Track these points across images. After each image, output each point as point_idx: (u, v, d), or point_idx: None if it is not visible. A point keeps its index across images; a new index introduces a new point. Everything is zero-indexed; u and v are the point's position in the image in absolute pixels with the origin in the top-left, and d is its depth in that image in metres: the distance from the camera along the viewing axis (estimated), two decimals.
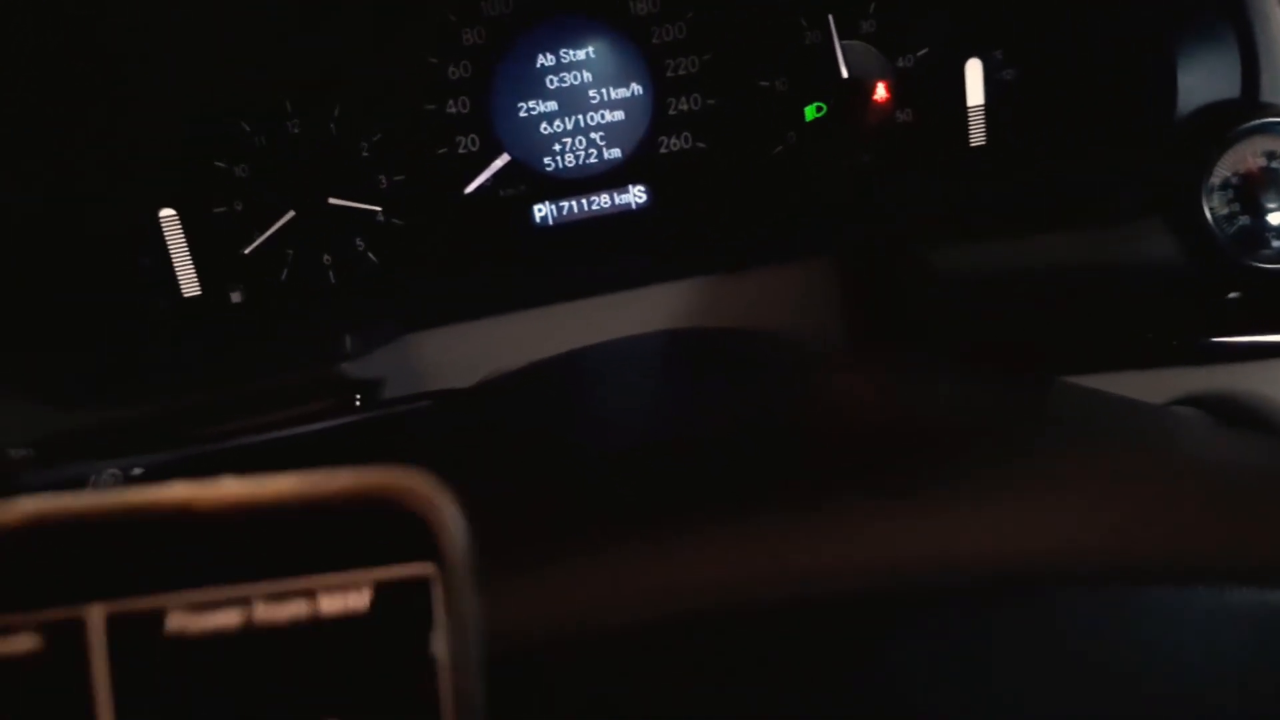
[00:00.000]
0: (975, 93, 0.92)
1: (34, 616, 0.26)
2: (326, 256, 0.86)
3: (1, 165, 0.78)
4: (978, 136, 0.93)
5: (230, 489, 0.26)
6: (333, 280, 0.87)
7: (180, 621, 0.26)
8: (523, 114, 0.87)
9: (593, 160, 0.89)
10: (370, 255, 0.87)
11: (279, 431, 0.62)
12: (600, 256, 0.90)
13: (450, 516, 0.26)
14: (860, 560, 0.37)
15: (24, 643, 0.26)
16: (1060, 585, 0.36)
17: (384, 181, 0.86)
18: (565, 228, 0.90)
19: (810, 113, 0.90)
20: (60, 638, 0.26)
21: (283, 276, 0.86)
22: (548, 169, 0.89)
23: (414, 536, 0.26)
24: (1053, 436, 0.48)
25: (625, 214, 0.91)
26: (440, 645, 0.26)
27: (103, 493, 0.27)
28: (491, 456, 0.52)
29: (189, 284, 0.85)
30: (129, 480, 0.56)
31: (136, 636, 0.26)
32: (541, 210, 0.90)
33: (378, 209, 0.86)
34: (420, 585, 0.26)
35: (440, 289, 0.89)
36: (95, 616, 0.26)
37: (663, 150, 0.90)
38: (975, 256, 0.81)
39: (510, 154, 0.88)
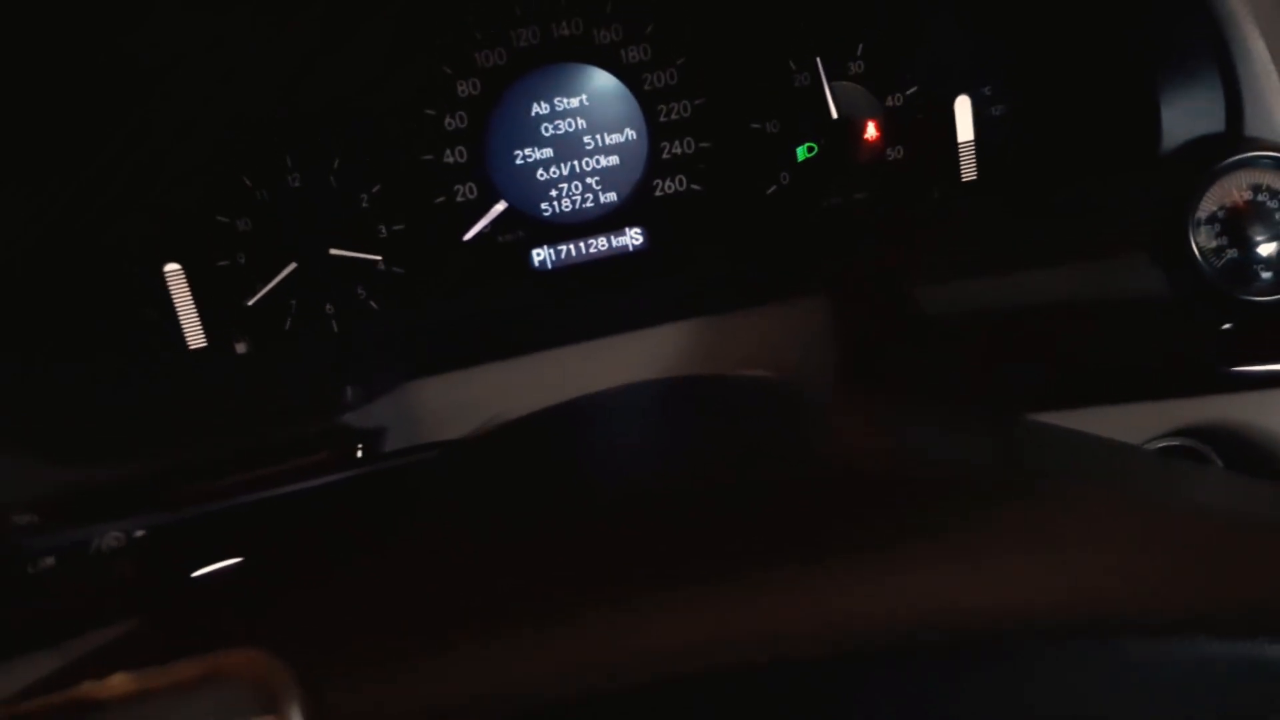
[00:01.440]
0: (965, 129, 0.93)
1: None
2: (329, 306, 0.88)
3: (6, 222, 0.80)
4: (968, 172, 0.94)
5: (122, 682, 0.33)
6: (335, 329, 0.88)
7: None
8: (519, 161, 0.89)
9: (589, 204, 0.91)
10: (372, 303, 0.88)
11: (280, 488, 0.63)
12: (598, 298, 0.91)
13: (286, 682, 0.34)
14: (839, 616, 0.38)
15: None
16: (1042, 639, 0.37)
17: (384, 231, 0.87)
18: (563, 271, 0.91)
19: (802, 153, 0.91)
20: None
21: (286, 326, 0.87)
22: (545, 214, 0.90)
23: (260, 698, 0.34)
24: (1040, 486, 0.48)
25: (622, 256, 0.92)
26: None
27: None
28: (491, 509, 0.53)
29: (194, 336, 0.86)
30: (131, 541, 0.57)
31: None
32: (540, 254, 0.91)
33: (378, 258, 0.88)
34: None
35: (441, 335, 0.90)
36: None
37: (658, 193, 0.91)
38: (967, 292, 0.82)
39: (507, 201, 0.89)
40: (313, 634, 0.41)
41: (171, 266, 0.85)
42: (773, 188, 0.92)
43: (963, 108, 0.92)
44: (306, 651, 0.39)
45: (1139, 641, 0.37)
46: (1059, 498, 0.46)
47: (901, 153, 0.93)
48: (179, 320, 0.86)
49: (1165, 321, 0.77)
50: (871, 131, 0.91)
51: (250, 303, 0.86)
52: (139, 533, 0.58)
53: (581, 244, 0.91)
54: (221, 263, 0.85)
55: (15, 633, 0.54)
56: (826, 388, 0.81)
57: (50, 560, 0.54)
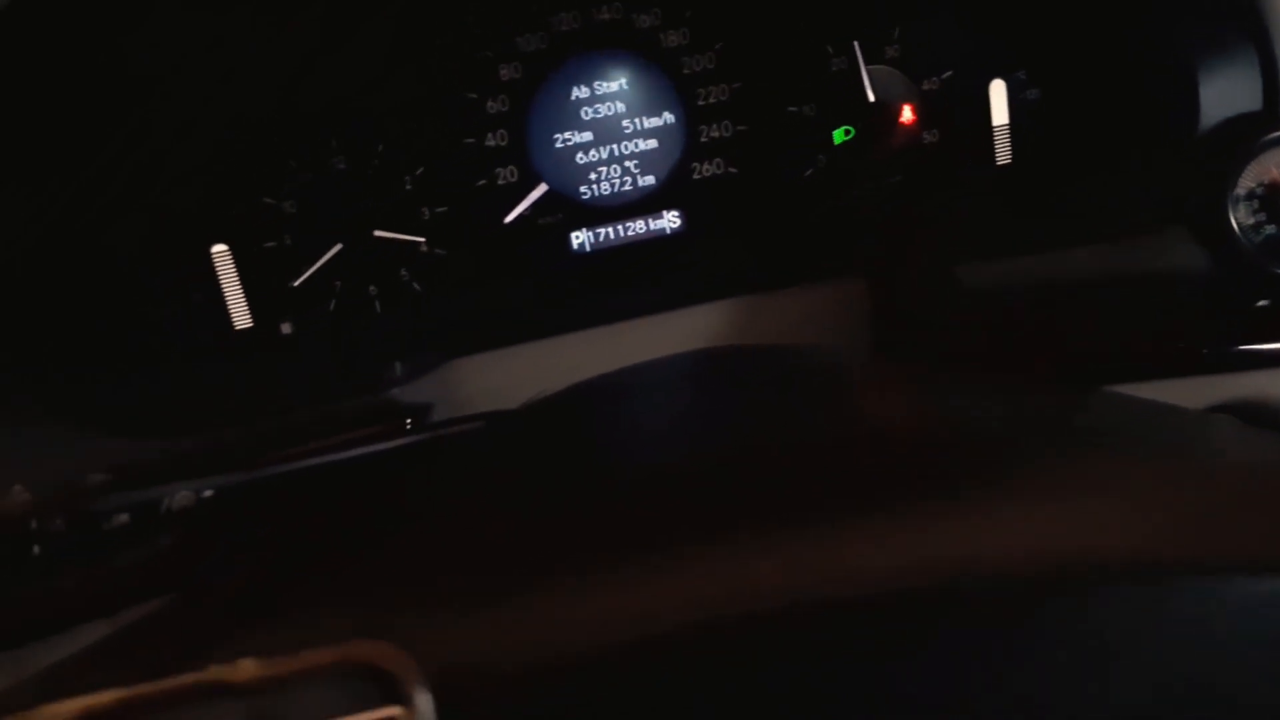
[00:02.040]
0: (1000, 112, 0.94)
1: None
2: (372, 287, 0.89)
3: (58, 204, 0.82)
4: (1003, 155, 0.95)
5: (251, 667, 0.34)
6: (379, 310, 0.90)
7: None
8: (559, 145, 0.90)
9: (628, 188, 0.92)
10: (415, 285, 0.90)
11: (336, 454, 0.65)
12: (636, 281, 0.92)
13: (414, 672, 0.35)
14: (899, 563, 0.39)
15: None
16: (1097, 582, 0.38)
17: (426, 213, 0.89)
18: (602, 254, 0.93)
19: (839, 136, 0.92)
20: None
21: (331, 307, 0.89)
22: (584, 197, 0.92)
23: (389, 688, 0.35)
24: (1087, 441, 0.49)
25: (660, 239, 0.93)
26: None
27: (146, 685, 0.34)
28: (538, 476, 0.54)
29: (240, 317, 0.88)
30: (200, 501, 0.59)
31: None
32: (579, 237, 0.92)
33: (421, 240, 0.89)
34: None
35: (483, 316, 0.91)
36: None
37: (695, 176, 0.93)
38: (1003, 272, 0.83)
39: (548, 184, 0.90)
40: (392, 581, 0.42)
41: (219, 247, 0.86)
42: (809, 170, 0.93)
43: (998, 92, 0.93)
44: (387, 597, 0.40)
45: (1196, 581, 0.38)
46: (1119, 450, 0.47)
47: (937, 136, 0.94)
48: (226, 301, 0.87)
49: (1203, 297, 0.77)
50: (907, 115, 0.92)
51: (295, 284, 0.88)
52: (206, 492, 0.59)
53: (620, 227, 0.92)
54: (268, 244, 0.87)
55: (93, 592, 0.56)
56: (863, 358, 0.82)
57: (124, 518, 0.56)
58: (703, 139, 0.92)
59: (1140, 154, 0.86)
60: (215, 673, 0.34)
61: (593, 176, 0.91)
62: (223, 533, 0.58)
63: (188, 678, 0.33)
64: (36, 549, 0.56)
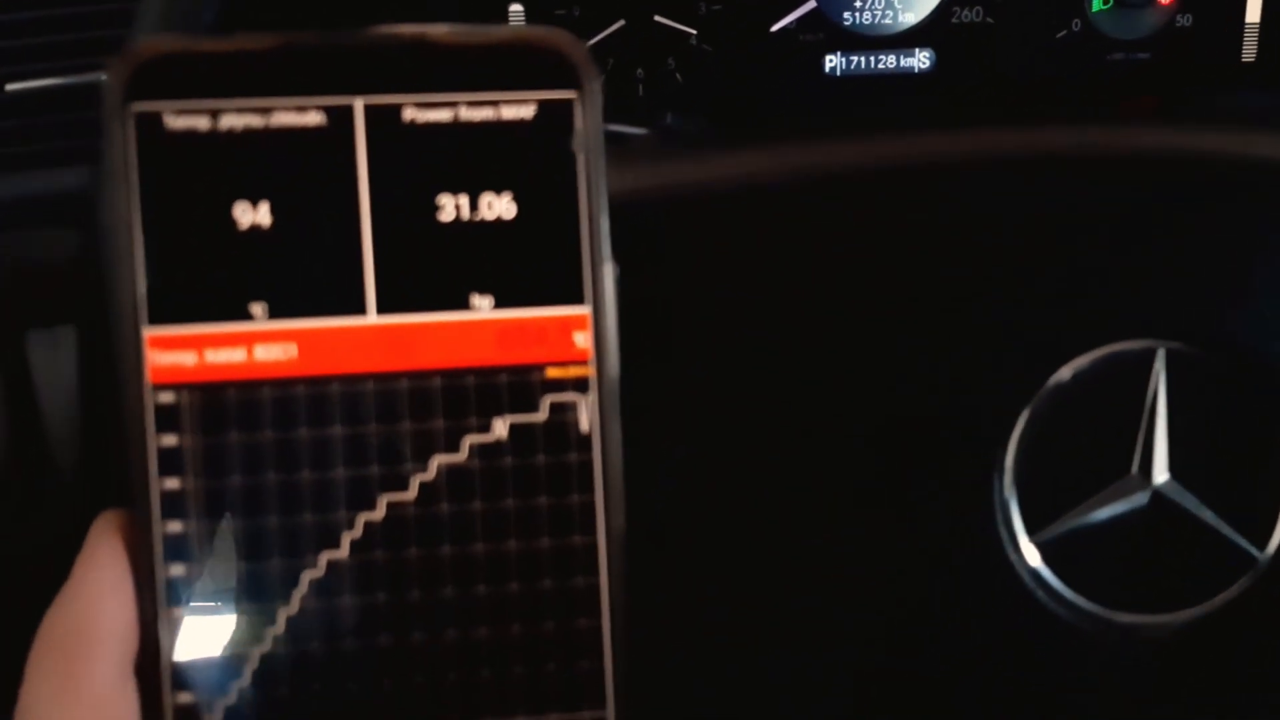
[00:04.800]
0: (1254, 9, 0.97)
1: (320, 100, 0.38)
2: (640, 70, 0.95)
3: None
4: (1249, 53, 0.98)
5: (440, 32, 0.39)
6: (640, 94, 0.95)
7: (411, 114, 0.39)
8: None
9: (887, 21, 0.97)
10: (678, 75, 0.95)
11: None
12: (880, 112, 0.97)
13: (588, 58, 0.39)
14: None
15: (312, 118, 0.38)
16: None
17: (703, 9, 0.94)
18: (850, 80, 0.98)
19: (1097, 4, 0.96)
20: (336, 117, 0.39)
21: None
22: (845, 23, 0.96)
23: (565, 73, 0.39)
24: None
25: (908, 76, 0.98)
26: (579, 144, 0.39)
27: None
28: None
29: None
30: None
31: (383, 122, 0.39)
32: (832, 60, 0.97)
33: (694, 32, 0.94)
34: (567, 104, 0.39)
35: (731, 118, 0.96)
36: (358, 104, 0.39)
37: (954, 20, 0.97)
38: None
39: (816, 2, 0.95)
40: None
41: (515, 7, 0.92)
42: (1062, 32, 0.97)
43: None
44: None
45: None
46: None
47: (1190, 21, 0.97)
48: None
49: None
50: None
51: None
52: None
53: (872, 57, 0.97)
54: (559, 11, 0.92)
55: None
56: None
57: None
58: None
59: None
60: (408, 30, 0.38)
61: (858, 4, 0.96)
62: None
63: (386, 31, 0.38)
64: None
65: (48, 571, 0.39)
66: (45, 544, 0.54)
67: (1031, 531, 0.71)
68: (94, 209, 0.63)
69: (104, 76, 0.38)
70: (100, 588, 0.37)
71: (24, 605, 0.40)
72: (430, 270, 0.39)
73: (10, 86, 0.70)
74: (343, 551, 0.38)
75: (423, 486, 0.39)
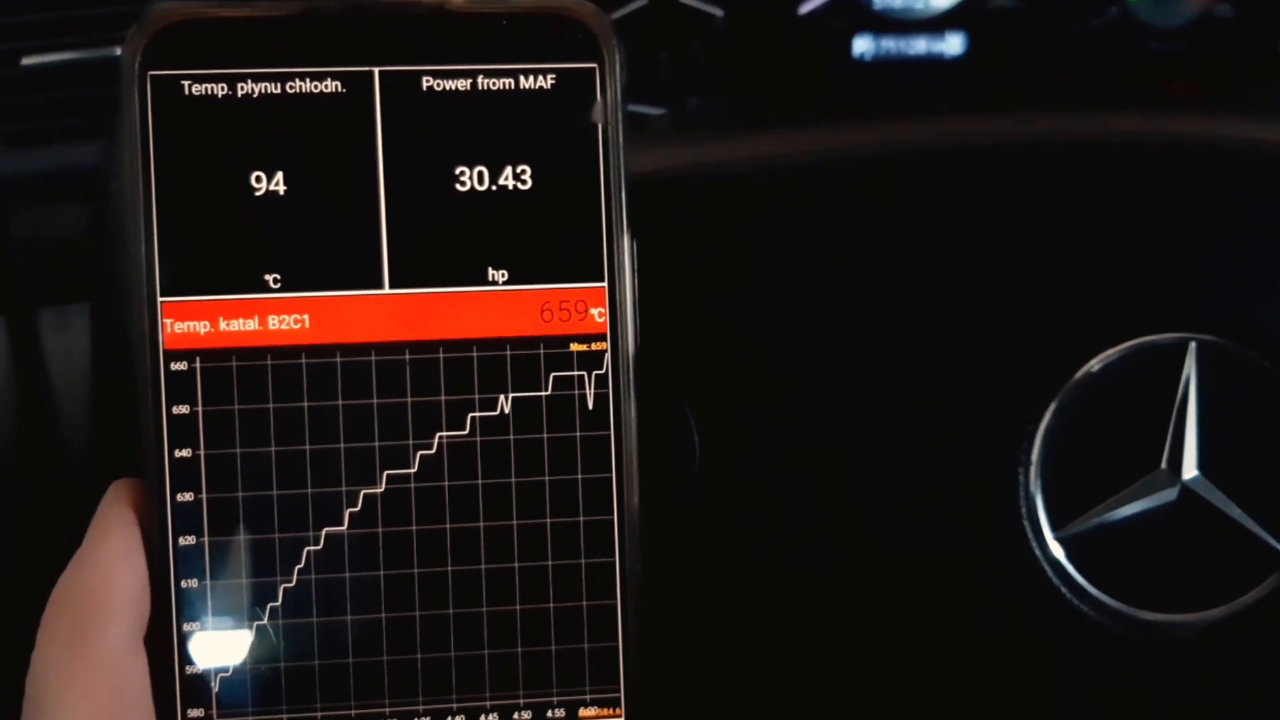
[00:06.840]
0: None
1: (337, 69, 0.38)
2: (663, 52, 0.93)
3: None
4: None
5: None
6: (661, 75, 0.94)
7: (429, 84, 0.38)
8: None
9: (919, 5, 0.95)
10: (702, 58, 0.94)
11: None
12: (908, 100, 0.95)
13: (610, 29, 0.39)
14: None
15: (329, 87, 0.38)
16: None
17: None
18: (879, 64, 0.96)
19: None
20: (353, 86, 0.38)
21: None
22: (875, 6, 0.95)
23: (585, 44, 0.39)
24: None
25: (939, 62, 0.96)
26: (598, 116, 0.39)
27: None
28: None
29: None
30: None
31: (401, 91, 0.39)
32: (861, 44, 0.95)
33: (720, 13, 0.93)
34: (588, 75, 0.39)
35: (753, 106, 0.95)
36: (376, 74, 0.38)
37: (989, 5, 0.95)
38: None
39: None
40: None
41: None
42: (1099, 20, 0.95)
43: None
44: None
45: None
46: None
47: (1230, 10, 0.95)
48: None
49: None
50: None
51: None
52: None
53: (903, 41, 0.95)
54: None
55: None
56: None
57: None
58: None
59: None
60: None
61: None
62: None
63: None
64: None
65: (60, 548, 0.39)
66: (57, 521, 0.54)
67: (1057, 526, 0.69)
68: (108, 183, 0.63)
69: (120, 46, 0.37)
70: (112, 554, 0.37)
71: (36, 580, 0.40)
72: (446, 243, 0.39)
73: (27, 60, 0.69)
74: (361, 517, 0.38)
75: (436, 455, 0.38)
